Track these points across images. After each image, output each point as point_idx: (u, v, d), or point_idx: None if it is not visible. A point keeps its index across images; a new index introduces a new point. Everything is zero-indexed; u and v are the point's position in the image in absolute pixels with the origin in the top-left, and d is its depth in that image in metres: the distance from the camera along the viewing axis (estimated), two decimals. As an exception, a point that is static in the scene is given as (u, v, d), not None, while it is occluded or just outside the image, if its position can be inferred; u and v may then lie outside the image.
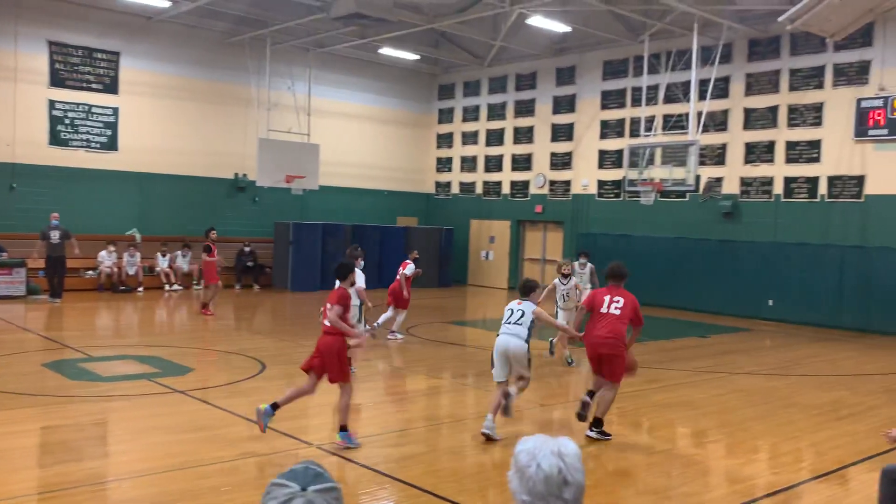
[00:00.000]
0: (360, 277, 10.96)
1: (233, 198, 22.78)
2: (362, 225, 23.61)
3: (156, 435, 7.55)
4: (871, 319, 17.07)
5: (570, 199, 23.17)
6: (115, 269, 19.66)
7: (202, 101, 22.03)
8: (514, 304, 8.09)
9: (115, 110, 20.55)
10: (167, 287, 20.37)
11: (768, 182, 18.93)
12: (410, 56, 24.48)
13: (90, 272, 19.69)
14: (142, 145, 20.97)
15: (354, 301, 11.00)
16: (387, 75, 25.92)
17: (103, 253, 19.53)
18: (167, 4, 19.33)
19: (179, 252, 20.89)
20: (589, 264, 14.22)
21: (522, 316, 7.92)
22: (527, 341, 7.83)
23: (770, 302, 18.63)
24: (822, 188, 18.02)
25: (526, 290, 8.17)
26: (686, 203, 20.30)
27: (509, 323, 7.96)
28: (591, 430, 8.01)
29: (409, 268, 13.97)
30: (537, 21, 19.58)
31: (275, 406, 7.27)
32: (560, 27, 20.30)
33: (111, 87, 20.51)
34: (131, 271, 19.97)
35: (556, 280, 12.46)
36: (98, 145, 20.37)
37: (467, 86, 26.32)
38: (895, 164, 16.78)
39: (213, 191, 22.31)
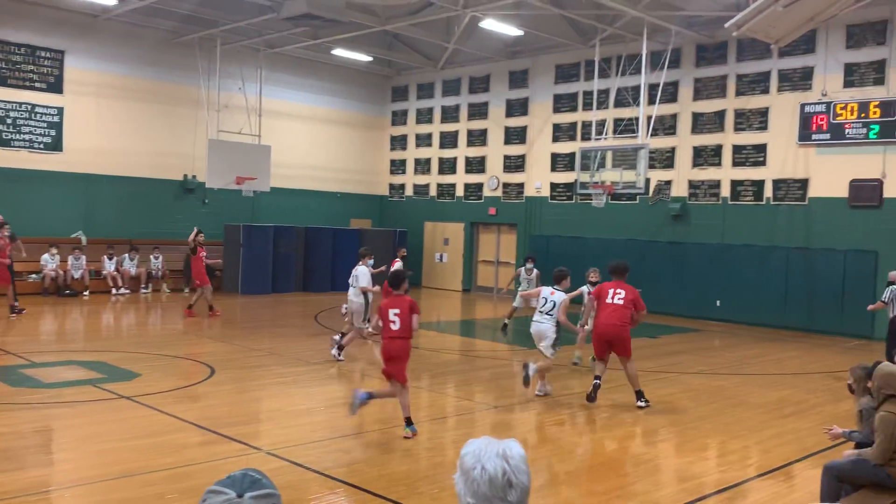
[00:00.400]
0: (364, 276, 12.59)
1: (182, 199, 22.41)
2: (315, 227, 23.41)
3: (100, 442, 7.37)
4: (815, 319, 17.50)
5: (524, 201, 23.31)
6: (60, 273, 19.18)
7: (150, 102, 21.63)
8: (548, 292, 9.90)
9: (60, 110, 20.06)
10: (114, 291, 19.93)
11: (716, 185, 19.29)
12: (363, 57, 24.39)
13: (33, 276, 19.17)
14: (87, 146, 20.50)
15: (360, 299, 12.47)
16: (339, 77, 25.77)
17: (46, 256, 19.03)
18: (114, 2, 18.93)
19: (127, 255, 20.47)
20: (535, 270, 14.43)
21: (553, 307, 9.77)
22: (556, 327, 9.73)
23: (718, 302, 18.98)
24: (768, 191, 18.43)
25: (558, 278, 9.98)
26: (636, 206, 20.58)
27: (542, 311, 9.89)
28: (640, 402, 9.53)
29: (396, 265, 14.57)
30: (490, 24, 19.66)
31: (370, 396, 8.07)
32: (512, 31, 20.42)
33: (55, 87, 20.01)
34: (76, 275, 19.51)
35: (584, 287, 11.99)
36: (42, 146, 19.86)
37: (421, 88, 26.32)
38: (837, 167, 17.25)
39: (162, 192, 21.92)
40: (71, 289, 19.29)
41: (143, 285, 20.62)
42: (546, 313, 9.80)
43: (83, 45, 20.37)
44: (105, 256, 20.09)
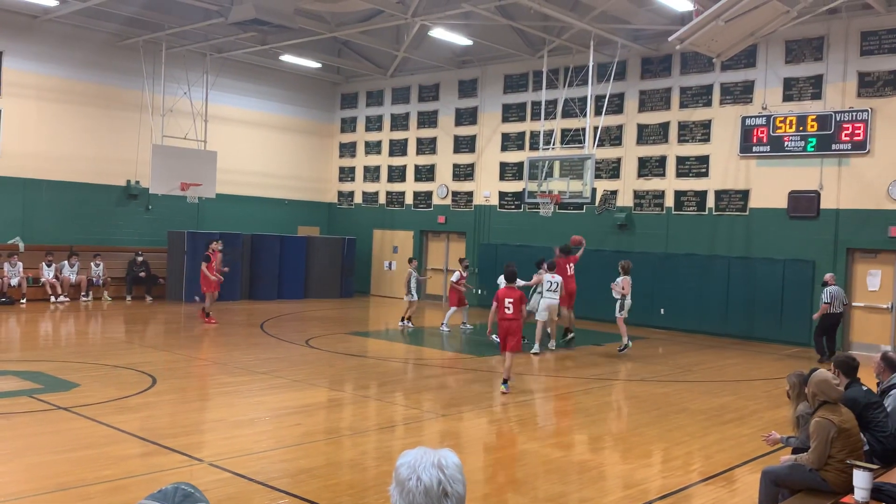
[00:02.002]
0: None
1: (124, 206, 21.95)
2: (261, 234, 23.13)
3: (35, 454, 7.14)
4: (755, 327, 17.92)
5: (473, 209, 23.41)
6: (-4, 280, 18.59)
7: (92, 105, 21.15)
8: (550, 277, 14.83)
9: (-3, 112, 19.50)
10: (53, 299, 19.40)
11: (660, 195, 19.64)
12: (312, 64, 24.25)
13: (-33, 283, 18.54)
14: (26, 150, 19.95)
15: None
16: (288, 83, 25.58)
17: (-18, 263, 18.44)
18: (54, 3, 18.50)
19: (66, 262, 19.94)
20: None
21: (559, 286, 14.81)
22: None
23: (662, 311, 19.30)
24: (710, 201, 18.83)
25: (552, 266, 14.94)
26: (583, 215, 20.83)
27: (553, 291, 14.73)
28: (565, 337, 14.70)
29: (454, 275, 17.59)
30: (439, 33, 19.74)
31: (506, 380, 10.81)
32: (462, 40, 20.52)
33: (-8, 88, 19.44)
34: (13, 282, 18.93)
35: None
36: (-23, 149, 19.25)
37: (370, 95, 26.27)
38: (776, 179, 17.72)
39: (104, 198, 21.44)
40: (7, 296, 18.71)
41: (83, 293, 20.11)
42: (553, 291, 14.75)
43: (22, 46, 19.83)
44: (44, 263, 19.53)
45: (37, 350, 13.50)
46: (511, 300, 10.79)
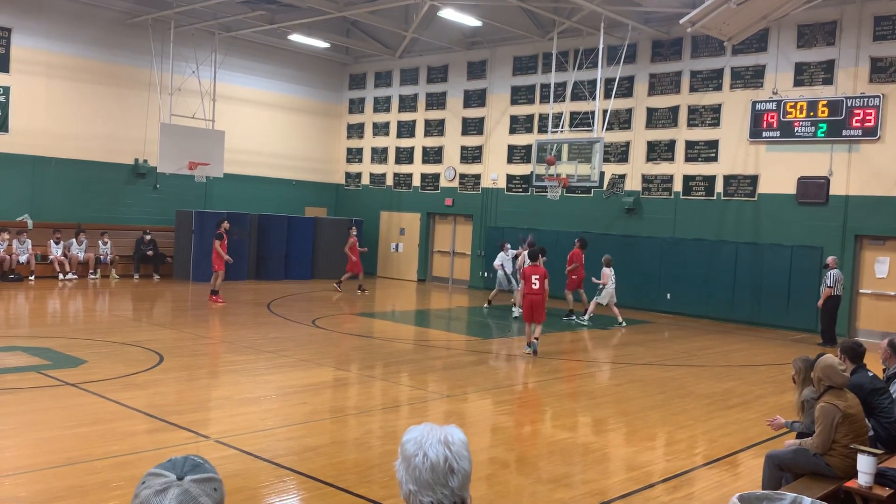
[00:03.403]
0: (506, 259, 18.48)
1: (132, 184, 21.98)
2: (269, 214, 23.16)
3: (44, 429, 7.21)
4: (762, 313, 17.90)
5: (480, 192, 23.37)
6: (6, 257, 18.68)
7: (101, 84, 21.14)
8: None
9: (6, 90, 19.48)
10: (61, 276, 19.49)
11: (668, 180, 19.57)
12: (321, 44, 24.15)
13: (-24, 260, 18.64)
14: (35, 127, 19.97)
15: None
16: (296, 63, 25.50)
17: (-9, 239, 18.52)
18: (63, -20, 18.45)
19: (74, 240, 20.02)
20: None
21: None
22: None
23: (668, 295, 19.29)
24: (719, 186, 18.76)
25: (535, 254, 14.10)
26: (590, 198, 20.78)
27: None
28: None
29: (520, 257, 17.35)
30: (448, 14, 19.62)
31: (532, 344, 12.25)
32: (471, 21, 20.40)
33: (2, 65, 19.41)
34: (22, 259, 19.02)
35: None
36: (-14, 126, 19.29)
37: (379, 76, 26.17)
38: (785, 164, 17.63)
39: (112, 176, 21.47)
40: (16, 273, 18.81)
41: (91, 271, 20.19)
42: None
43: (31, 23, 19.81)
44: (52, 241, 19.61)
45: (45, 326, 13.58)
46: (537, 277, 12.24)
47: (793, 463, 5.81)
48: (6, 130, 19.55)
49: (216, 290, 17.12)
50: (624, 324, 16.58)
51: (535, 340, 12.37)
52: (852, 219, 16.85)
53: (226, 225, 17.78)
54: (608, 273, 16.87)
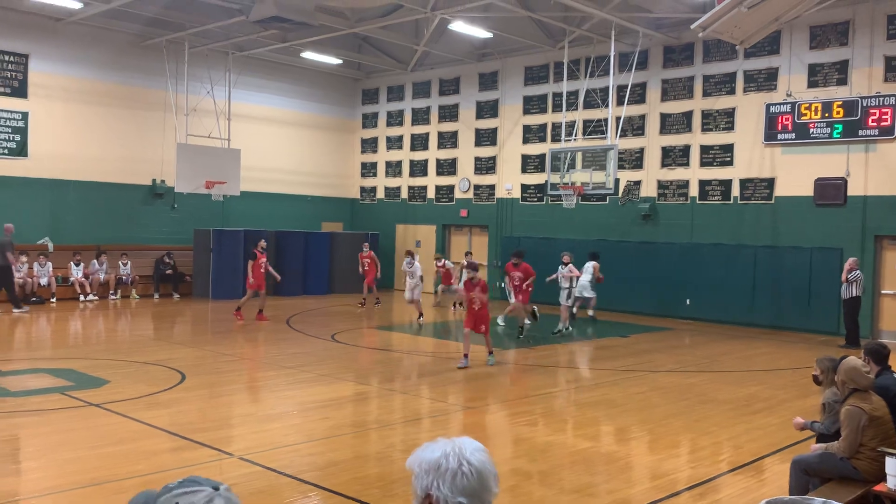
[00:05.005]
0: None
1: (150, 205, 22.17)
2: (286, 231, 23.28)
3: (69, 450, 7.26)
4: (783, 316, 17.75)
5: (495, 202, 23.38)
6: (28, 280, 18.88)
7: (117, 106, 21.38)
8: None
9: (25, 115, 19.75)
10: (82, 297, 19.66)
11: (684, 185, 19.49)
12: (333, 60, 24.32)
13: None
14: (53, 151, 20.21)
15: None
16: (309, 80, 25.67)
17: (12, 263, 18.69)
18: (78, 5, 18.69)
19: (95, 261, 20.20)
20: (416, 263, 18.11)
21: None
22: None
23: (688, 301, 19.18)
24: (735, 190, 18.66)
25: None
26: (606, 206, 20.73)
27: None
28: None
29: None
30: (459, 27, 19.70)
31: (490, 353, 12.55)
32: (481, 33, 20.48)
33: (20, 91, 19.70)
34: (43, 281, 19.21)
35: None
36: (6, 151, 19.54)
37: (391, 90, 26.29)
38: (802, 166, 17.51)
39: (130, 197, 21.67)
40: (37, 296, 19.00)
41: (111, 291, 20.36)
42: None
43: (47, 48, 20.09)
44: (72, 263, 19.81)
45: (67, 348, 13.70)
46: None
47: (819, 467, 5.76)
48: (25, 155, 19.80)
49: (261, 309, 17.17)
50: (566, 330, 16.25)
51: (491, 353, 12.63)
52: (871, 219, 16.70)
53: (262, 244, 17.65)
54: (574, 268, 16.83)
